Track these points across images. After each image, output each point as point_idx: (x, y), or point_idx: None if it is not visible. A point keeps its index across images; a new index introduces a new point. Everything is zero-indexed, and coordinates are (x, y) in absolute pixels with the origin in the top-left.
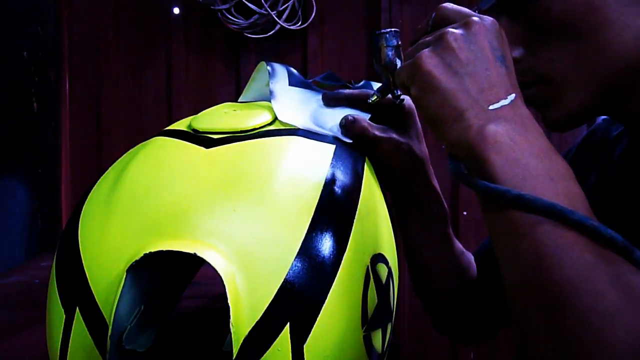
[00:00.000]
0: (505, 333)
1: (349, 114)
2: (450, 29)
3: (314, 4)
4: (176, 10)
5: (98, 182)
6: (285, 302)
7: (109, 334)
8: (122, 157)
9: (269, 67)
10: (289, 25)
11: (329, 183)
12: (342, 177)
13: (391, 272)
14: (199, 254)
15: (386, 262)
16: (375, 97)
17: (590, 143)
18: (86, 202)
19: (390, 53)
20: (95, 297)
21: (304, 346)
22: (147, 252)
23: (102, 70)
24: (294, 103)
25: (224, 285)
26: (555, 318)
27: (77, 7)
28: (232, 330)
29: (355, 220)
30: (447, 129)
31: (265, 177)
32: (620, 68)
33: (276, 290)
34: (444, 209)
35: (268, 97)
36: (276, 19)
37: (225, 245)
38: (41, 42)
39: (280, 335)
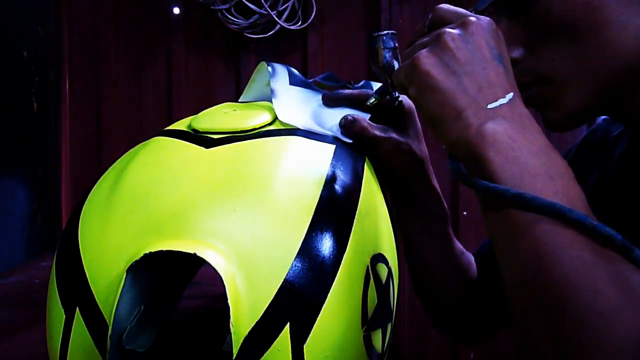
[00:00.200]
0: (505, 333)
1: (349, 114)
2: (448, 29)
3: (314, 4)
4: (176, 10)
5: (98, 182)
6: (285, 302)
7: (109, 334)
8: (122, 157)
9: (269, 67)
10: (289, 25)
11: (329, 183)
12: (342, 177)
13: (391, 272)
14: (199, 254)
15: (386, 262)
16: (374, 99)
17: (590, 143)
18: (86, 202)
19: (387, 55)
20: (95, 297)
21: (304, 346)
22: (147, 252)
23: (102, 70)
24: (295, 102)
25: (224, 285)
26: (554, 317)
27: (77, 7)
28: (232, 330)
29: (355, 220)
30: (446, 128)
31: (265, 177)
32: (620, 68)
33: (276, 290)
34: (444, 209)
35: (268, 97)
36: (276, 19)
37: (225, 245)
38: (41, 42)
39: (280, 335)
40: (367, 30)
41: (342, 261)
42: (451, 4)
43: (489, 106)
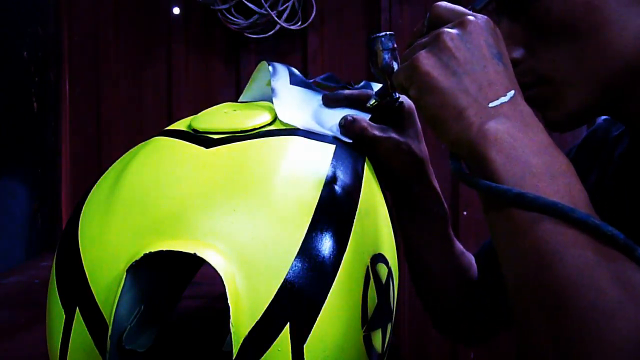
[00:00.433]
0: (505, 333)
1: (349, 114)
2: (446, 29)
3: (314, 4)
4: (176, 10)
5: (98, 182)
6: (285, 302)
7: (109, 334)
8: (122, 157)
9: (270, 66)
10: (289, 25)
11: (329, 183)
12: (342, 177)
13: (391, 272)
14: (199, 254)
15: (386, 262)
16: (374, 101)
17: (591, 143)
18: (86, 202)
19: (386, 56)
20: (95, 297)
21: (304, 346)
22: (147, 252)
23: (102, 70)
24: (295, 101)
25: (224, 285)
26: (556, 316)
27: (77, 7)
28: (232, 330)
29: (355, 220)
30: (448, 128)
31: (266, 177)
32: (621, 68)
33: (276, 290)
34: (444, 209)
35: (268, 96)
36: (276, 19)
37: (225, 245)
38: (41, 42)
39: (280, 335)
40: (367, 31)
41: (342, 261)
42: (449, 2)
43: (490, 105)
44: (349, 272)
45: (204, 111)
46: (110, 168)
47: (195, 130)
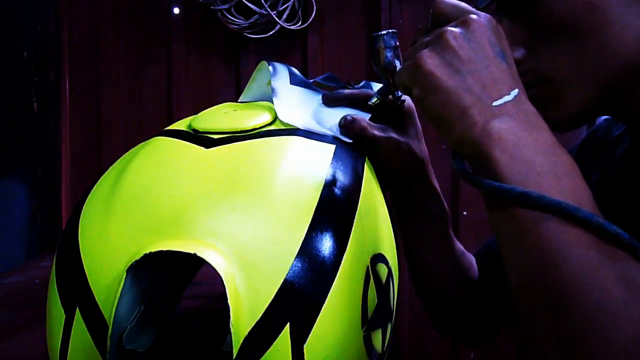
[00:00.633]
0: (505, 333)
1: (349, 114)
2: (449, 28)
3: (314, 4)
4: (176, 10)
5: (98, 182)
6: (285, 302)
7: (109, 334)
8: (122, 157)
9: (270, 66)
10: (289, 25)
11: (329, 183)
12: (342, 177)
13: (391, 272)
14: (199, 254)
15: (386, 262)
16: (376, 99)
17: (591, 143)
18: (86, 202)
19: (389, 54)
20: (95, 297)
21: (304, 346)
22: (147, 252)
23: (102, 70)
24: (296, 101)
25: (224, 285)
26: (560, 316)
27: (77, 7)
28: (232, 330)
29: (355, 220)
30: (452, 127)
31: (265, 177)
32: (621, 68)
33: (276, 290)
34: (444, 209)
35: (269, 96)
36: (276, 19)
37: (225, 245)
38: (41, 42)
39: (280, 335)
40: (367, 31)
41: (342, 261)
42: None
43: (494, 104)
44: (349, 272)
45: (204, 111)
46: (110, 168)
47: (195, 130)
